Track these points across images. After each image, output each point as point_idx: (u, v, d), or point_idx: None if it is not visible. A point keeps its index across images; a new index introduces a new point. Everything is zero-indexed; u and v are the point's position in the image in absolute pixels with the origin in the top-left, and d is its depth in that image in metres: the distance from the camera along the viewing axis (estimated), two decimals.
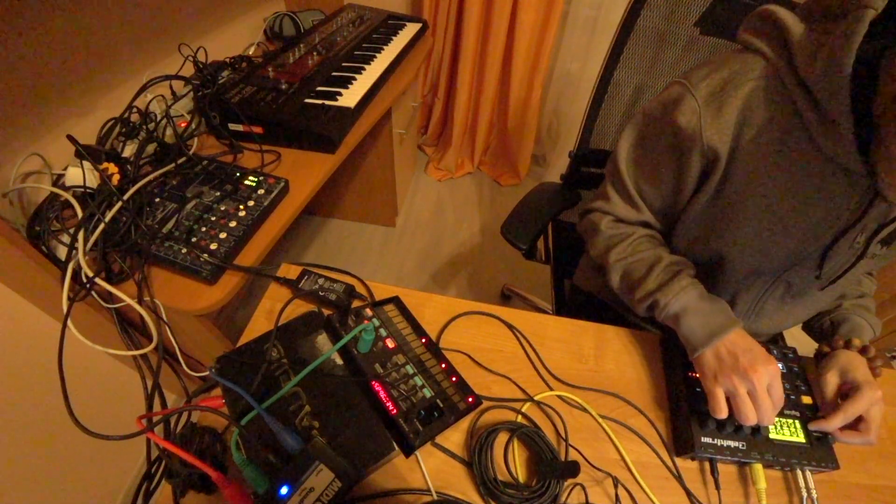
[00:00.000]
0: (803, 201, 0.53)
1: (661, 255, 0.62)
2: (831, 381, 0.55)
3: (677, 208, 0.64)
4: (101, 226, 0.64)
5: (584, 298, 0.92)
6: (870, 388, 0.52)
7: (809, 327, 0.74)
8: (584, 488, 0.49)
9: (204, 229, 0.70)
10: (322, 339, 0.54)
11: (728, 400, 0.51)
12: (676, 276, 0.58)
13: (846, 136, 0.46)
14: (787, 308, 0.66)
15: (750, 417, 0.49)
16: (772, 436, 0.53)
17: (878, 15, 0.40)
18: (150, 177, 0.74)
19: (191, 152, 0.83)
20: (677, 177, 0.59)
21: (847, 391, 0.54)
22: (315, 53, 1.14)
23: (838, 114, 0.45)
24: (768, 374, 0.49)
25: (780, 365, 0.59)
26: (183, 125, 0.88)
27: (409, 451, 0.47)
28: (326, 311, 0.58)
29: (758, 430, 0.52)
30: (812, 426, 0.54)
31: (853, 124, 0.45)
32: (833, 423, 0.52)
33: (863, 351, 0.59)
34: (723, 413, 0.50)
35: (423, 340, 0.57)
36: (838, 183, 0.51)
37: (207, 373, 0.48)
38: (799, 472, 0.52)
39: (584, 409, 0.56)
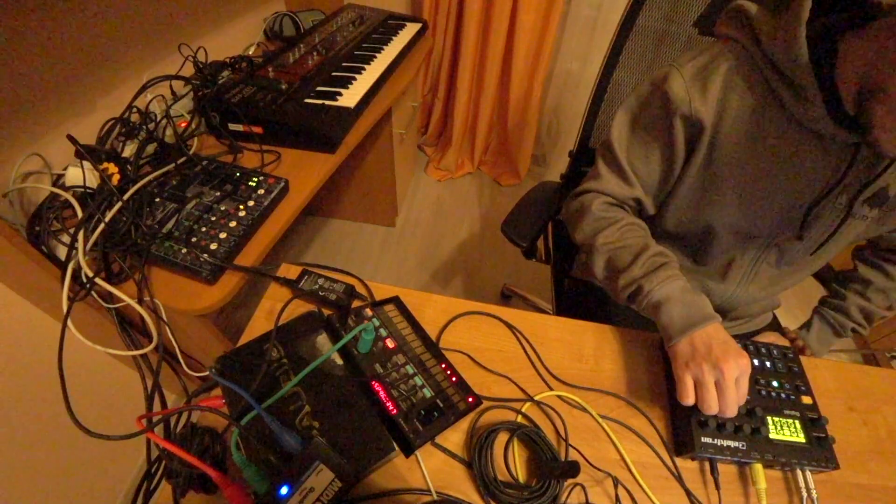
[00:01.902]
0: (781, 168, 0.58)
1: (648, 244, 0.63)
2: None
3: (668, 185, 0.67)
4: (101, 226, 0.64)
5: (584, 289, 0.93)
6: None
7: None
8: (584, 488, 0.49)
9: (204, 229, 0.70)
10: (322, 339, 0.54)
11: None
12: (662, 267, 0.60)
13: (815, 102, 0.51)
14: (782, 272, 0.70)
15: (712, 407, 0.50)
16: (772, 436, 0.53)
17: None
18: (150, 177, 0.74)
19: (191, 152, 0.83)
20: (668, 148, 0.62)
21: None
22: (315, 53, 1.14)
23: (804, 81, 0.50)
24: (738, 367, 0.50)
25: (779, 365, 0.60)
26: (183, 125, 0.88)
27: (409, 451, 0.47)
28: (326, 311, 0.58)
29: (758, 430, 0.52)
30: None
31: (819, 90, 0.50)
32: None
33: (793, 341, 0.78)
34: (689, 399, 0.51)
35: (424, 341, 0.57)
36: (812, 148, 0.55)
37: (207, 373, 0.48)
38: (799, 472, 0.52)
39: (584, 409, 0.56)
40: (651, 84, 0.62)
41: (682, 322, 0.55)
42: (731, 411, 0.50)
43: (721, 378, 0.49)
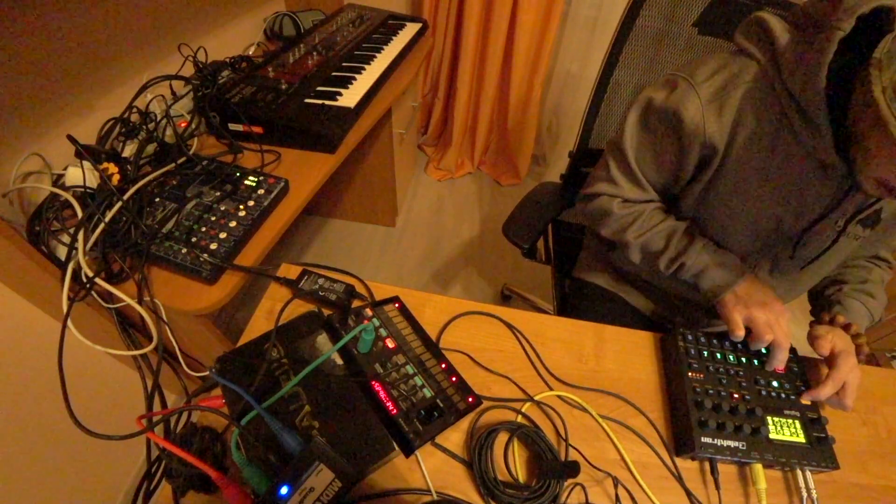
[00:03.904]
0: (784, 191, 0.60)
1: (676, 226, 0.68)
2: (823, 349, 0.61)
3: (675, 190, 0.70)
4: (101, 226, 0.64)
5: (585, 289, 0.93)
6: (848, 356, 0.58)
7: (814, 311, 0.78)
8: (584, 488, 0.49)
9: (204, 229, 0.70)
10: (322, 339, 0.54)
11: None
12: (693, 242, 0.66)
13: (825, 136, 0.52)
14: (775, 283, 0.71)
15: (767, 336, 0.57)
16: (772, 436, 0.53)
17: (851, 32, 0.47)
18: (150, 177, 0.74)
19: (191, 152, 0.83)
20: (678, 163, 0.64)
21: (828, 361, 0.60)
22: (315, 53, 1.14)
23: (818, 117, 0.51)
24: (781, 308, 0.59)
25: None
26: (183, 125, 0.88)
27: (409, 451, 0.47)
28: (326, 311, 0.58)
29: (758, 430, 0.52)
30: (805, 397, 0.58)
31: (831, 125, 0.51)
32: (824, 393, 0.57)
33: (846, 328, 0.64)
34: (741, 331, 0.59)
35: (424, 341, 0.57)
36: (816, 175, 0.57)
37: (207, 373, 0.48)
38: (799, 472, 0.52)
39: (584, 409, 0.56)
40: (666, 98, 0.61)
41: (724, 280, 0.63)
42: (787, 340, 0.57)
43: (770, 316, 0.58)
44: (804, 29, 0.53)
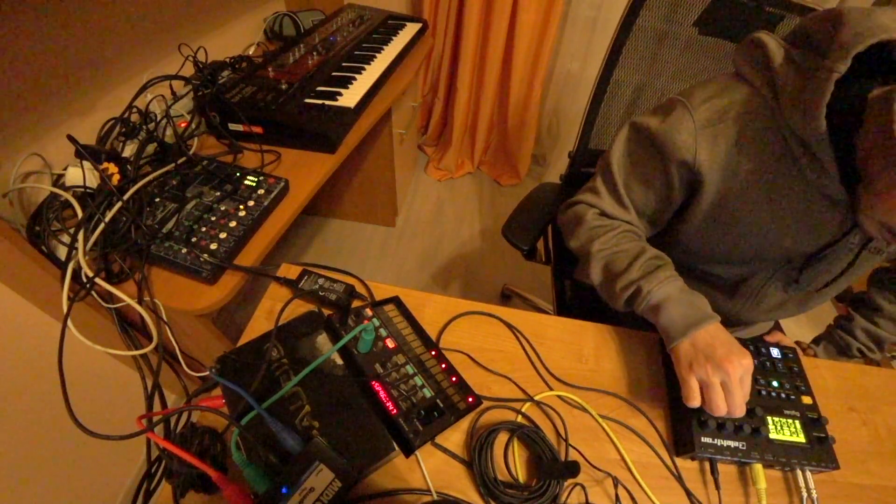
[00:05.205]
0: (791, 221, 0.58)
1: (645, 248, 0.62)
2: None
3: (664, 217, 0.67)
4: (101, 226, 0.64)
5: (587, 293, 0.93)
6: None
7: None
8: (584, 488, 0.49)
9: (204, 229, 0.70)
10: (322, 339, 0.54)
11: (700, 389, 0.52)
12: (660, 268, 0.59)
13: (831, 173, 0.50)
14: (789, 300, 0.70)
15: (721, 408, 0.49)
16: (772, 436, 0.53)
17: (854, 63, 0.44)
18: (150, 177, 0.74)
19: (191, 152, 0.83)
20: (667, 185, 0.61)
21: None
22: (315, 53, 1.14)
23: (820, 152, 0.49)
24: (742, 367, 0.49)
25: (779, 365, 0.60)
26: (183, 125, 0.88)
27: (409, 451, 0.47)
28: (326, 311, 0.58)
29: (758, 430, 0.52)
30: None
31: (836, 159, 0.49)
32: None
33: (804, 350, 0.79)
34: (696, 401, 0.51)
35: (424, 341, 0.57)
36: (823, 207, 0.55)
37: (207, 373, 0.48)
38: (799, 472, 0.52)
39: (584, 409, 0.56)
40: (661, 118, 0.59)
41: (683, 322, 0.54)
42: (741, 411, 0.49)
43: (727, 378, 0.49)
44: (804, 53, 0.50)
